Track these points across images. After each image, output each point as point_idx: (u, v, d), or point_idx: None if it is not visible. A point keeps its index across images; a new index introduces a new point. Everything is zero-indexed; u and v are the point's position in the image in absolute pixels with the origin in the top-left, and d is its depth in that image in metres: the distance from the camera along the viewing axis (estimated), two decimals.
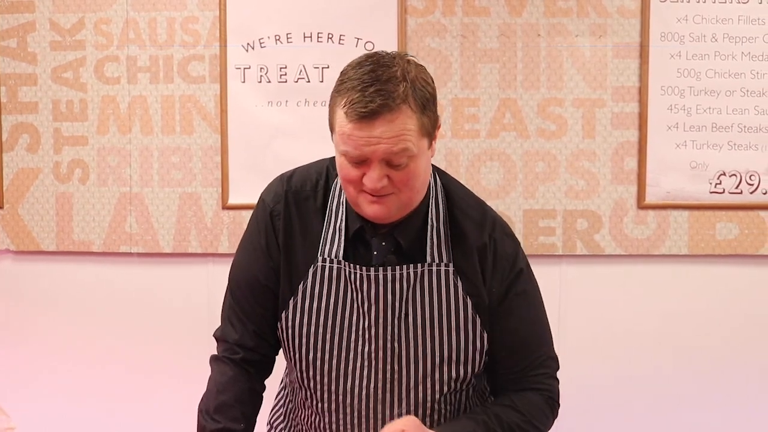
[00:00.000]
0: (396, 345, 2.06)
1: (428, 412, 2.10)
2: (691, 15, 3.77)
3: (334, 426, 2.14)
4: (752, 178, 3.81)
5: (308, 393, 2.16)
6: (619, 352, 3.90)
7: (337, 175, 2.09)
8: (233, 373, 2.20)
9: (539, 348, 2.21)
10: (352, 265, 2.07)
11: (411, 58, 2.03)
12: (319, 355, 2.09)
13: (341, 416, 2.12)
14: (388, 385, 2.08)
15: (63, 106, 3.91)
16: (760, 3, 3.75)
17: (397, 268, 2.06)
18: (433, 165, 2.15)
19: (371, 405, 2.09)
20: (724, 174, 3.81)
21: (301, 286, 2.10)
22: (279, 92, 3.84)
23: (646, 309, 3.89)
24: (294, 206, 2.16)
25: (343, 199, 2.11)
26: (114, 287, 3.98)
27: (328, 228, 2.11)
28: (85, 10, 3.88)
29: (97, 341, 3.99)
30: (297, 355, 2.13)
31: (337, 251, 2.08)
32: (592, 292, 3.87)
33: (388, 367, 2.07)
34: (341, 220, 2.10)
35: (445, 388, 2.10)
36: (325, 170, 2.21)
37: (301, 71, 3.82)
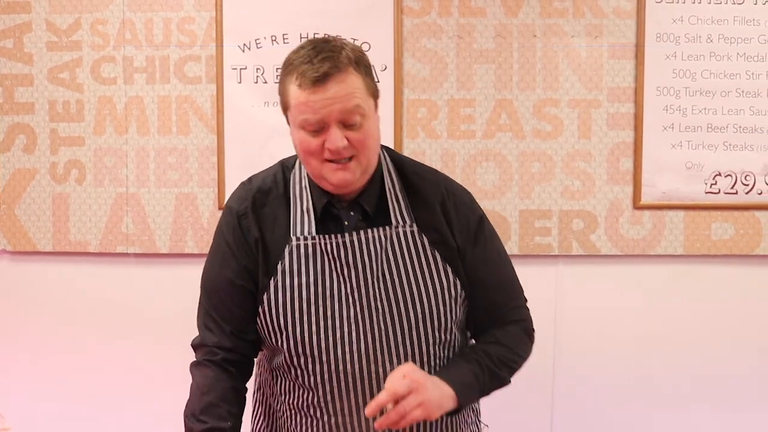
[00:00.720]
0: (378, 305, 2.17)
1: (417, 365, 2.16)
2: (687, 16, 3.78)
3: (329, 396, 2.19)
4: (747, 178, 3.82)
5: (299, 371, 2.20)
6: (615, 352, 3.90)
7: (293, 166, 2.32)
8: (215, 374, 2.25)
9: (511, 285, 2.38)
10: (326, 236, 2.19)
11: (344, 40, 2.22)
12: (306, 327, 2.15)
13: (335, 385, 2.18)
14: (377, 344, 2.16)
15: (59, 107, 3.91)
16: (755, 4, 3.76)
17: (369, 231, 2.20)
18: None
19: (364, 366, 2.16)
20: (720, 174, 3.82)
21: (279, 266, 2.18)
22: (275, 93, 3.76)
23: (642, 309, 3.90)
24: (260, 202, 2.26)
25: (305, 183, 2.25)
26: (110, 288, 3.99)
27: (296, 211, 2.22)
28: (81, 11, 3.88)
29: (93, 342, 3.99)
30: (284, 334, 2.18)
31: (309, 229, 2.20)
32: (588, 293, 3.88)
33: (375, 326, 2.16)
34: (306, 201, 2.23)
35: (431, 339, 2.20)
36: (280, 167, 2.37)
37: None
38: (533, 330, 2.40)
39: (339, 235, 2.18)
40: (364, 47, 3.80)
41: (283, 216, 2.24)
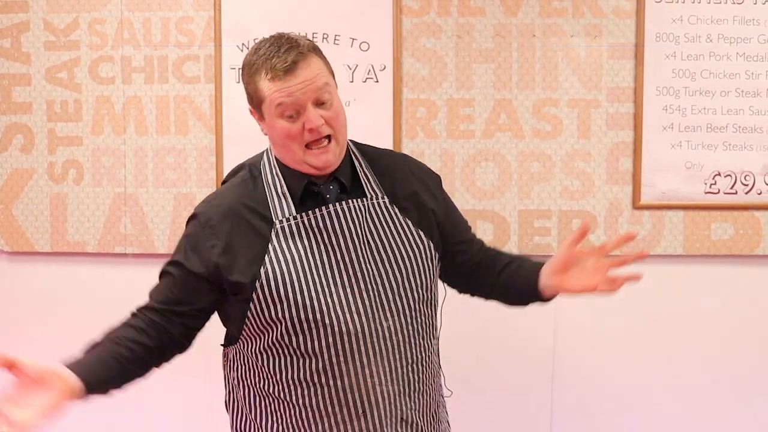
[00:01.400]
0: (369, 266, 2.32)
1: (409, 319, 2.36)
2: (686, 15, 3.77)
3: (333, 359, 2.28)
4: (747, 178, 3.81)
5: (300, 338, 2.28)
6: (614, 352, 3.90)
7: (260, 160, 2.45)
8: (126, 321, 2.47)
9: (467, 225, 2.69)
10: (309, 212, 2.32)
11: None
12: (306, 294, 2.26)
13: (339, 347, 2.28)
14: (375, 302, 2.31)
15: (57, 107, 3.90)
16: (755, 4, 3.76)
17: (350, 201, 2.36)
18: None
19: (364, 324, 2.28)
20: (719, 174, 3.81)
21: (270, 246, 2.29)
22: None
23: (641, 309, 3.89)
24: (226, 204, 2.37)
25: (276, 171, 2.39)
26: (109, 288, 3.97)
27: (272, 196, 2.35)
28: (79, 10, 3.88)
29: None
30: (286, 302, 2.26)
31: (289, 210, 2.33)
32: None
33: (370, 286, 2.31)
34: (280, 185, 2.36)
35: (416, 295, 2.37)
36: (245, 167, 2.49)
37: None
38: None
39: (324, 207, 2.33)
40: (364, 47, 3.80)
41: (260, 206, 2.35)
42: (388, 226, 2.39)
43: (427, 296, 2.41)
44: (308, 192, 2.36)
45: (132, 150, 3.89)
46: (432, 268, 2.44)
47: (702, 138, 3.80)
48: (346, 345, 2.27)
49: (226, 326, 2.49)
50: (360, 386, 2.29)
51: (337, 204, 2.34)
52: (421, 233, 2.42)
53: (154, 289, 2.47)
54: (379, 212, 2.40)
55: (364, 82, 3.82)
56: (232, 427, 2.58)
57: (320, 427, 2.32)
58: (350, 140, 2.50)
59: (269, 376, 2.38)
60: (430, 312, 2.43)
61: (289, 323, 2.27)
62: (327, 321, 2.25)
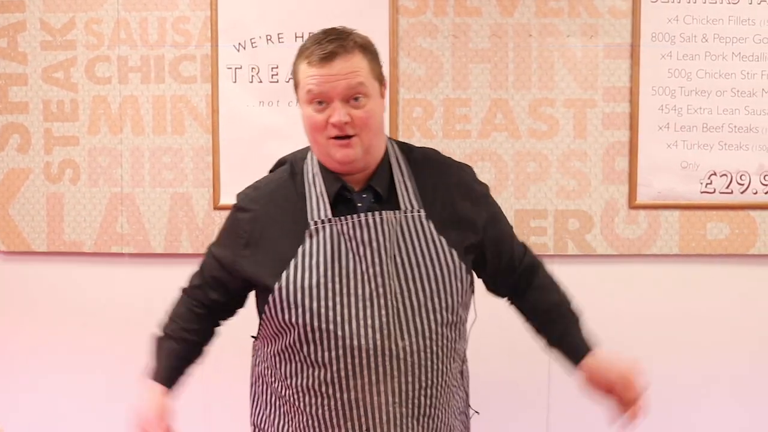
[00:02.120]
0: (391, 282, 2.27)
1: (428, 342, 2.29)
2: (682, 15, 3.78)
3: (342, 372, 2.25)
4: (743, 178, 3.82)
5: (311, 347, 2.27)
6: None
7: (304, 157, 2.43)
8: (179, 300, 2.65)
9: (513, 235, 2.64)
10: (342, 218, 2.29)
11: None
12: (323, 303, 2.24)
13: (349, 360, 2.25)
14: (390, 321, 2.25)
15: (54, 106, 3.90)
16: (750, 3, 3.77)
17: (383, 213, 2.31)
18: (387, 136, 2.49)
19: (378, 342, 2.24)
20: (715, 174, 3.82)
21: (300, 249, 2.28)
22: (270, 92, 3.84)
23: (637, 309, 3.90)
24: (267, 198, 2.41)
25: (316, 170, 2.37)
26: (105, 288, 3.98)
27: (311, 196, 2.34)
28: (75, 10, 3.88)
29: (87, 342, 3.98)
30: (300, 309, 2.25)
31: (325, 212, 2.31)
32: (584, 292, 3.81)
33: (389, 303, 2.26)
34: (319, 185, 2.34)
35: (439, 318, 2.30)
36: (288, 161, 2.49)
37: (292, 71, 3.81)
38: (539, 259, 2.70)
39: (355, 216, 2.29)
40: None
41: (297, 208, 2.34)
42: (419, 242, 2.33)
43: (452, 319, 2.34)
44: (341, 197, 2.34)
45: (128, 150, 3.89)
46: (461, 291, 2.36)
47: (698, 138, 3.81)
48: (356, 360, 2.24)
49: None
50: (366, 403, 2.26)
51: (368, 214, 2.30)
52: (455, 253, 2.34)
53: (198, 270, 2.60)
54: (412, 226, 2.33)
55: None
56: (250, 417, 2.61)
57: None
58: (398, 142, 2.50)
59: (282, 380, 2.38)
60: (453, 335, 2.36)
61: (301, 330, 2.26)
62: (339, 332, 2.23)
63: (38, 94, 3.90)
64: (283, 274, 2.27)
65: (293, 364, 2.33)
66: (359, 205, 2.33)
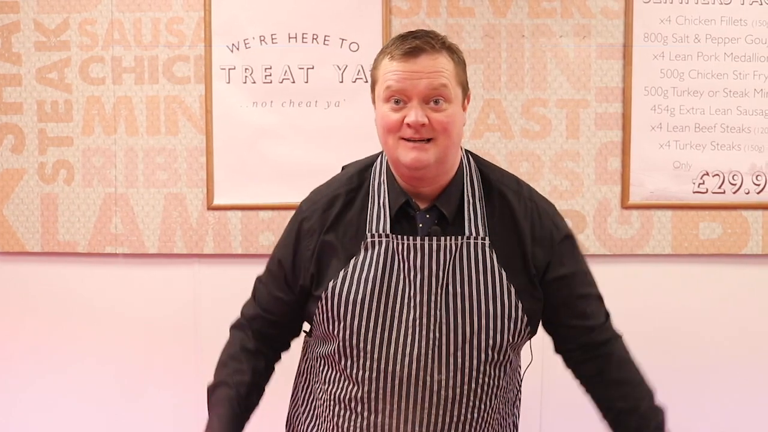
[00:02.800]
0: (438, 312, 2.14)
1: (466, 379, 2.17)
2: (674, 16, 3.79)
3: (374, 394, 2.18)
4: (735, 178, 3.83)
5: (349, 362, 2.20)
6: None
7: (374, 160, 2.31)
8: (232, 338, 2.40)
9: (596, 302, 2.39)
10: (399, 236, 2.17)
11: None
12: (364, 322, 2.16)
13: (381, 384, 2.17)
14: (430, 352, 2.14)
15: (48, 107, 3.90)
16: (742, 4, 3.78)
17: (442, 239, 2.16)
18: (464, 148, 2.33)
19: (413, 371, 2.14)
20: (707, 174, 3.83)
21: (353, 261, 2.18)
22: (264, 93, 3.84)
23: (629, 309, 3.88)
24: (327, 204, 2.28)
25: (383, 178, 2.25)
26: (99, 288, 3.98)
27: (373, 206, 2.22)
28: (69, 11, 3.88)
29: (82, 342, 3.98)
30: (342, 324, 2.18)
31: (384, 226, 2.18)
32: None
33: (431, 334, 2.14)
34: (384, 196, 2.22)
35: (483, 356, 2.17)
36: (356, 167, 2.35)
37: (286, 72, 3.83)
38: (621, 335, 2.46)
39: (412, 238, 2.17)
40: (353, 47, 3.81)
41: (358, 216, 2.24)
42: (478, 273, 2.16)
43: (498, 358, 2.19)
44: (403, 212, 2.22)
45: (122, 150, 3.90)
46: (513, 331, 2.19)
47: (690, 138, 3.82)
48: (389, 385, 2.16)
49: None
50: (392, 429, 2.18)
51: (426, 239, 2.16)
52: (512, 290, 2.17)
53: (249, 301, 2.44)
54: (473, 254, 2.17)
55: (354, 82, 3.83)
56: (288, 409, 2.55)
57: None
58: (476, 157, 2.34)
59: (321, 383, 2.34)
60: (497, 373, 2.22)
61: (341, 343, 2.19)
62: (376, 355, 2.15)
63: (32, 94, 3.91)
64: (330, 284, 2.19)
65: (333, 372, 2.27)
66: (420, 225, 2.19)
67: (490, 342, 2.16)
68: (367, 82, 3.81)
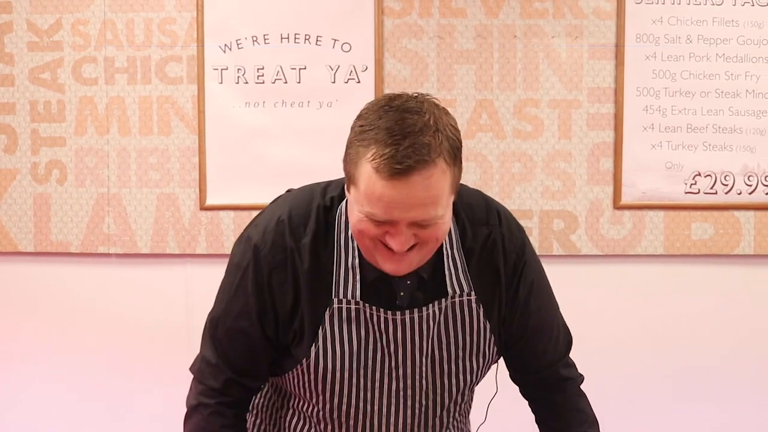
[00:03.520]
0: (424, 382, 1.97)
1: (448, 428, 2.09)
2: (666, 16, 3.79)
3: None
4: (727, 178, 3.83)
5: (329, 427, 2.03)
6: (595, 352, 3.90)
7: (334, 207, 1.94)
8: (205, 422, 2.02)
9: (558, 333, 2.16)
10: (374, 307, 1.91)
11: (434, 99, 1.82)
12: (345, 399, 1.96)
13: None
14: (416, 419, 2.01)
15: (40, 107, 3.90)
16: (734, 5, 3.78)
17: (424, 309, 1.92)
18: None
19: None
20: (699, 174, 3.84)
21: (320, 332, 1.90)
22: (256, 93, 3.85)
23: (622, 309, 3.91)
24: (299, 252, 1.91)
25: (351, 233, 1.87)
26: (92, 288, 3.98)
27: (339, 266, 1.90)
28: (62, 11, 3.88)
29: (74, 342, 3.98)
30: (321, 398, 1.98)
31: (353, 292, 1.90)
32: (569, 292, 3.81)
33: (417, 403, 1.99)
34: (353, 256, 1.90)
35: (458, 408, 2.09)
36: (321, 204, 1.96)
37: (278, 72, 3.83)
38: (582, 376, 2.24)
39: (391, 312, 1.90)
40: (345, 47, 3.81)
41: (325, 269, 1.91)
42: (463, 331, 1.96)
43: (463, 400, 2.08)
44: (381, 275, 1.88)
45: (115, 150, 3.90)
46: (482, 373, 2.05)
47: (682, 138, 3.83)
48: None
49: None
50: None
51: (407, 312, 1.90)
52: (494, 339, 1.99)
53: (206, 372, 2.02)
54: (458, 313, 1.95)
55: (346, 82, 3.83)
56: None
57: None
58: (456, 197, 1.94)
59: (281, 424, 2.16)
60: (469, 402, 2.15)
61: (320, 412, 2.01)
62: (359, 427, 1.99)
63: (25, 94, 3.91)
64: (304, 361, 1.93)
65: (298, 420, 2.10)
66: (402, 294, 1.91)
67: (467, 393, 2.07)
68: (359, 82, 3.82)
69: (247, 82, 3.84)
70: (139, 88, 3.88)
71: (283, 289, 1.90)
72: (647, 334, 3.92)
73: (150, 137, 3.88)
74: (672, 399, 3.95)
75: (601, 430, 2.18)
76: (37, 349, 4.02)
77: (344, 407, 1.97)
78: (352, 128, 1.78)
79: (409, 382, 1.96)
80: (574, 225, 3.84)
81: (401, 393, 1.97)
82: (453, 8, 3.81)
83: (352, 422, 1.98)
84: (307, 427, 2.08)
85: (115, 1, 3.86)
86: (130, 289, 3.98)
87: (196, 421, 2.00)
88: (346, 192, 1.82)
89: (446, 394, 2.01)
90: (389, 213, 1.70)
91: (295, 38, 3.83)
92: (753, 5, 3.78)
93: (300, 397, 2.04)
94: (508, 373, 2.16)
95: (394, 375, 1.95)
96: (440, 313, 1.94)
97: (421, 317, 1.92)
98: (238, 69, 3.84)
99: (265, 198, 3.84)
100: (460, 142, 1.78)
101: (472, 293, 1.95)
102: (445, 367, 1.97)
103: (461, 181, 1.85)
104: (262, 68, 3.84)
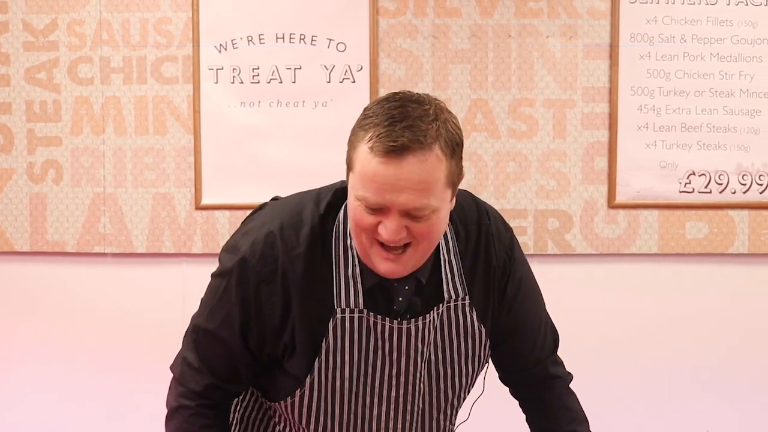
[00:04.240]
0: (422, 386, 1.99)
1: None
2: (661, 16, 3.80)
3: None
4: (721, 177, 3.84)
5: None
6: (589, 351, 3.92)
7: (334, 214, 1.92)
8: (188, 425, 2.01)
9: (545, 330, 2.18)
10: (376, 315, 1.90)
11: (441, 102, 1.83)
12: (346, 408, 1.96)
13: None
14: (413, 424, 2.02)
15: (36, 107, 3.91)
16: (728, 5, 3.79)
17: (427, 316, 1.93)
18: None
19: None
20: (694, 174, 3.85)
21: (323, 344, 1.89)
22: (251, 93, 3.85)
23: (616, 308, 3.92)
24: (290, 264, 1.88)
25: (350, 241, 1.87)
26: (88, 287, 3.99)
27: (339, 275, 1.89)
28: (58, 11, 3.89)
29: (71, 341, 3.99)
30: (319, 410, 1.96)
31: (356, 300, 1.88)
32: (563, 291, 3.88)
33: (415, 407, 2.00)
34: (353, 265, 1.89)
35: (449, 412, 2.08)
36: (316, 213, 1.93)
37: (273, 72, 3.84)
38: (571, 375, 2.26)
39: (389, 320, 1.90)
40: (340, 47, 3.82)
41: (321, 279, 1.89)
42: (459, 336, 1.97)
43: (462, 401, 2.09)
44: (379, 282, 1.89)
45: (111, 150, 3.90)
46: (478, 377, 2.08)
47: (676, 138, 3.84)
48: None
49: None
50: None
51: (411, 321, 1.90)
52: (488, 342, 2.01)
53: (188, 375, 2.00)
54: (453, 318, 1.96)
55: (341, 82, 3.84)
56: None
57: None
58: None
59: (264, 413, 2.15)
60: (460, 405, 2.12)
61: (312, 425, 1.98)
62: None
63: (21, 94, 3.91)
64: (308, 379, 1.91)
65: (285, 424, 2.08)
66: (400, 299, 1.91)
67: (463, 394, 2.07)
68: (354, 82, 3.83)
69: (242, 82, 3.85)
70: (134, 87, 3.88)
71: (271, 301, 1.87)
72: (642, 332, 3.92)
73: (145, 137, 3.89)
74: (667, 398, 3.96)
75: (593, 429, 2.19)
76: (32, 349, 4.02)
77: (345, 417, 1.96)
78: (357, 120, 1.79)
79: (409, 388, 1.96)
80: (568, 224, 3.85)
81: (400, 399, 1.97)
82: (448, 8, 3.82)
83: (351, 428, 1.98)
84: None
85: (110, 1, 3.87)
86: (125, 289, 3.98)
87: (177, 422, 1.99)
88: (347, 180, 1.81)
89: (441, 397, 2.02)
90: (381, 195, 1.69)
91: (290, 38, 3.83)
92: (747, 5, 3.80)
93: (295, 424, 2.02)
94: (496, 375, 2.16)
95: (394, 382, 1.95)
96: (438, 319, 1.94)
97: (424, 325, 1.92)
98: (234, 69, 3.85)
99: (261, 198, 3.83)
100: (461, 139, 1.78)
101: (467, 297, 1.96)
102: (441, 370, 1.98)
103: None
104: (258, 68, 3.84)
